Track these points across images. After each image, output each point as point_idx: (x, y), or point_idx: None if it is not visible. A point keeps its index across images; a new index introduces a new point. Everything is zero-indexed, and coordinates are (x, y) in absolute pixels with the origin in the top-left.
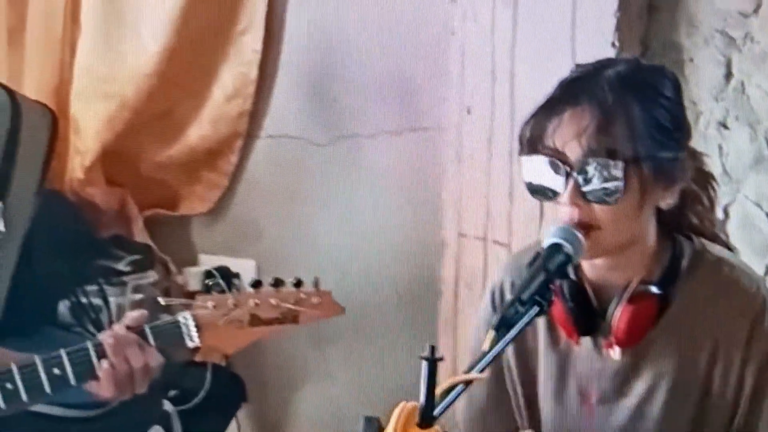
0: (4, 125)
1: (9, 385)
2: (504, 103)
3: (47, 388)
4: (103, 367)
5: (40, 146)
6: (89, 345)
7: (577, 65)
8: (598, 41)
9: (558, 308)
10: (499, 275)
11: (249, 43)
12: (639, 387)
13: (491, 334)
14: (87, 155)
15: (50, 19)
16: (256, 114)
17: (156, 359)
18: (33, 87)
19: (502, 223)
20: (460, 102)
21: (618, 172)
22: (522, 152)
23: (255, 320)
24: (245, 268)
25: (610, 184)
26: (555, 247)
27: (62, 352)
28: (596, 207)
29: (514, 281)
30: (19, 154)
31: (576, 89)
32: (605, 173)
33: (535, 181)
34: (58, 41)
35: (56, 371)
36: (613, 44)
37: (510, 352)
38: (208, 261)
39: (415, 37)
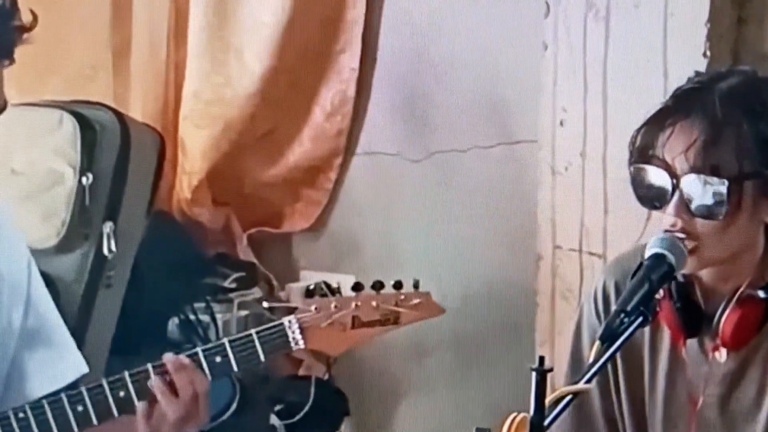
0: (114, 148)
1: (122, 394)
2: (597, 115)
3: None
4: None
5: (149, 168)
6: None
7: (696, 72)
8: (689, 52)
9: (666, 309)
10: (600, 277)
11: (347, 61)
12: (747, 391)
13: (597, 345)
14: (194, 176)
15: (154, 42)
16: (352, 131)
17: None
18: (138, 109)
19: (597, 234)
20: (553, 115)
21: (722, 189)
22: (631, 160)
23: (357, 322)
24: (345, 284)
25: (714, 200)
26: (658, 258)
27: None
28: (700, 221)
29: (617, 281)
30: (129, 175)
31: (688, 101)
32: (710, 189)
33: (643, 190)
34: (163, 63)
35: None
36: (704, 54)
37: (619, 359)
38: (309, 277)
39: (508, 52)
